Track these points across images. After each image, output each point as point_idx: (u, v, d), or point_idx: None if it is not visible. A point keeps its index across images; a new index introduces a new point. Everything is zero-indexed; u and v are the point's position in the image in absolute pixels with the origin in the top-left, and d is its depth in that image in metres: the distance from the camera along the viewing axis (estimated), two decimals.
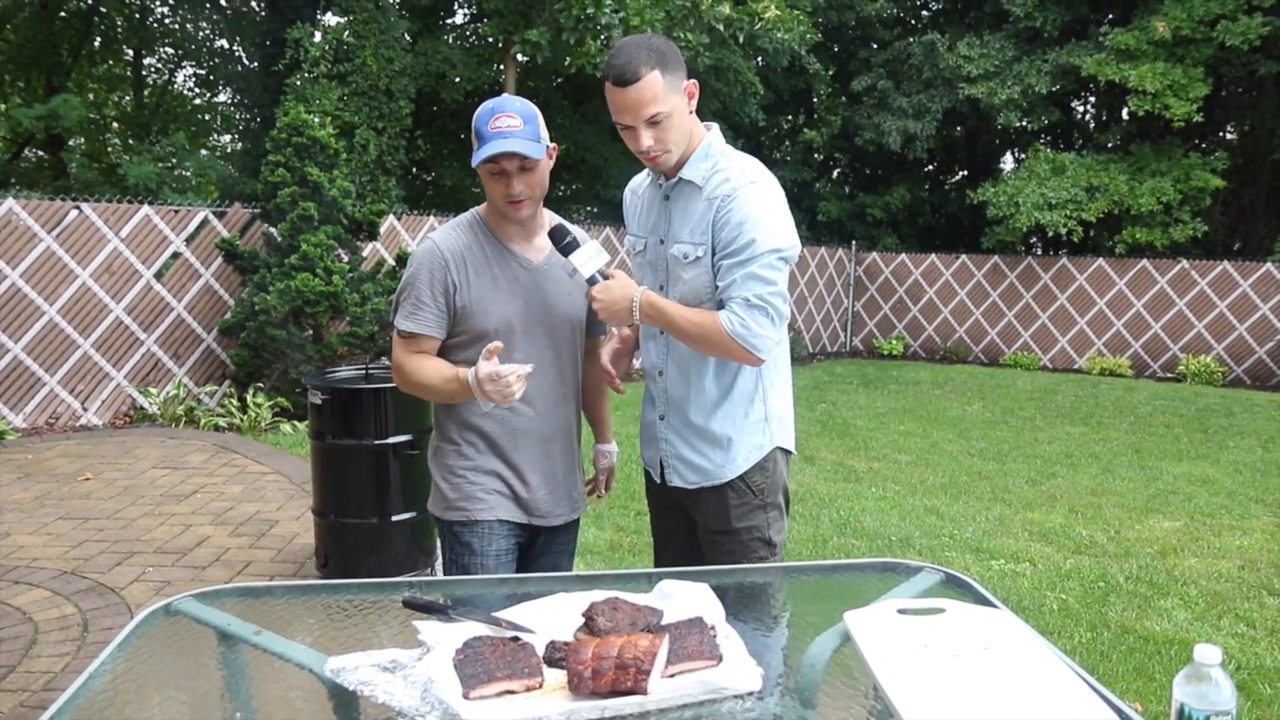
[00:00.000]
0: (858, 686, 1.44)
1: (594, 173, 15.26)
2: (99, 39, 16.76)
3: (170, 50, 18.28)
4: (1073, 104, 17.15)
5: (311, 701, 1.42)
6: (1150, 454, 7.75)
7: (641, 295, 2.14)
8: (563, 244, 2.16)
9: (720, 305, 2.14)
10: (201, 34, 17.80)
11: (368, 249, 9.14)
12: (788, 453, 2.35)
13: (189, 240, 8.38)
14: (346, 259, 8.32)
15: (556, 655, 1.42)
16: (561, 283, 2.27)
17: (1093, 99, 17.07)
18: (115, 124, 18.21)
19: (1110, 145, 15.10)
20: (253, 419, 7.67)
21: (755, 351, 2.10)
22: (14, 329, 7.46)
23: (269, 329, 7.79)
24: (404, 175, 13.48)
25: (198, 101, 19.12)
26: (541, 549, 2.36)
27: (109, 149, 17.59)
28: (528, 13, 11.00)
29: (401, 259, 9.33)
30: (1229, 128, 16.16)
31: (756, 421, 2.27)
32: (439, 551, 2.40)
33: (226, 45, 18.02)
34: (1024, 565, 4.88)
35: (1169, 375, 13.07)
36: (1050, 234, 14.03)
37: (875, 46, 17.02)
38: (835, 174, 19.09)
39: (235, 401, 7.99)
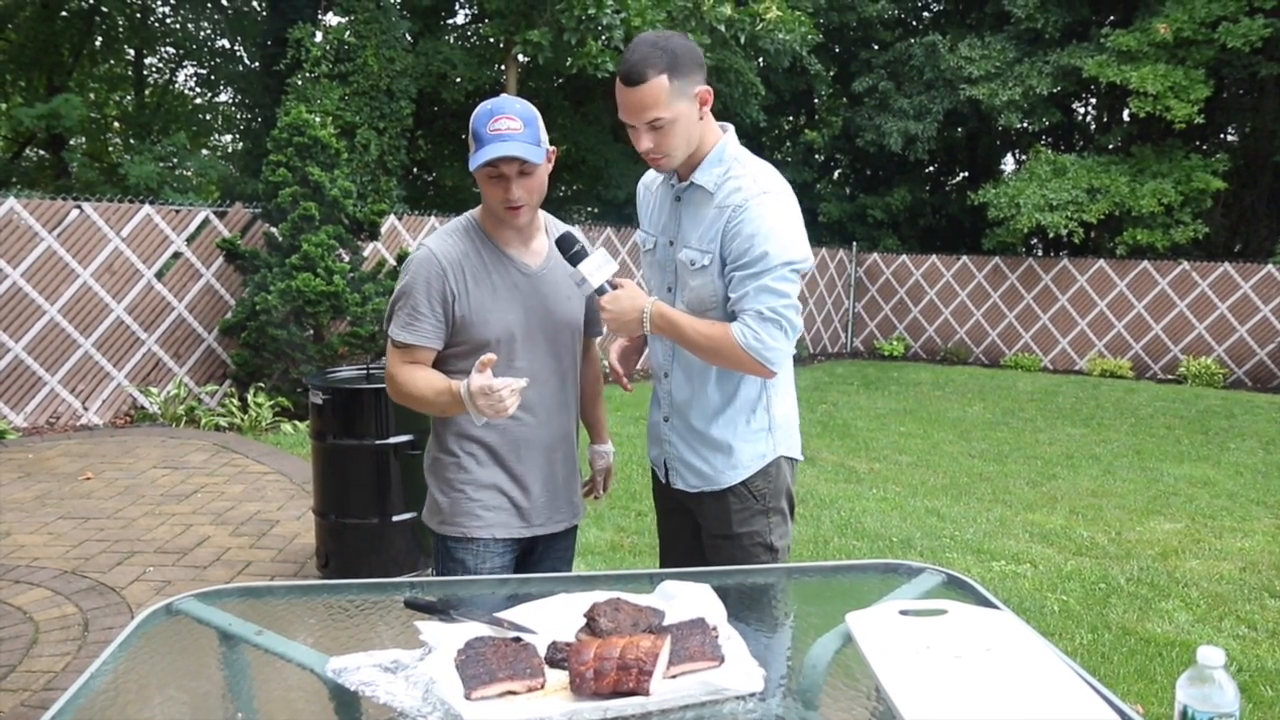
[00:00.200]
0: (860, 688, 1.43)
1: (595, 173, 15.27)
2: (100, 38, 16.78)
3: (171, 50, 18.31)
4: (1074, 105, 17.15)
5: (313, 702, 1.42)
6: (1151, 456, 7.75)
7: (652, 306, 2.10)
8: (571, 253, 2.10)
9: (730, 315, 2.11)
10: (202, 34, 17.82)
11: (369, 249, 9.14)
12: (793, 460, 2.32)
13: (190, 240, 8.39)
14: (347, 259, 8.32)
15: (558, 656, 1.42)
16: (560, 287, 2.23)
17: (1094, 100, 17.08)
18: (116, 124, 18.22)
19: (1111, 147, 15.10)
20: (253, 419, 7.67)
21: (768, 364, 2.07)
22: (15, 328, 7.46)
23: (270, 329, 7.79)
24: (405, 175, 13.49)
25: (199, 101, 19.14)
26: (540, 556, 2.32)
27: (110, 149, 17.60)
28: (529, 13, 11.00)
29: (403, 259, 9.33)
30: (1230, 129, 16.15)
31: (759, 430, 2.24)
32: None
33: (228, 45, 18.04)
34: (1025, 566, 4.88)
35: (1170, 377, 13.06)
36: (1051, 235, 14.03)
37: (876, 47, 17.02)
38: (836, 175, 19.09)
39: (236, 401, 7.99)
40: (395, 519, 4.17)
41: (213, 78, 18.42)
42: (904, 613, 1.60)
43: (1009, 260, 14.44)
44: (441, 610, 1.60)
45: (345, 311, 7.94)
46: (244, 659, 1.56)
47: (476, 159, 2.04)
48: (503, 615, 1.58)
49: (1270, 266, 12.54)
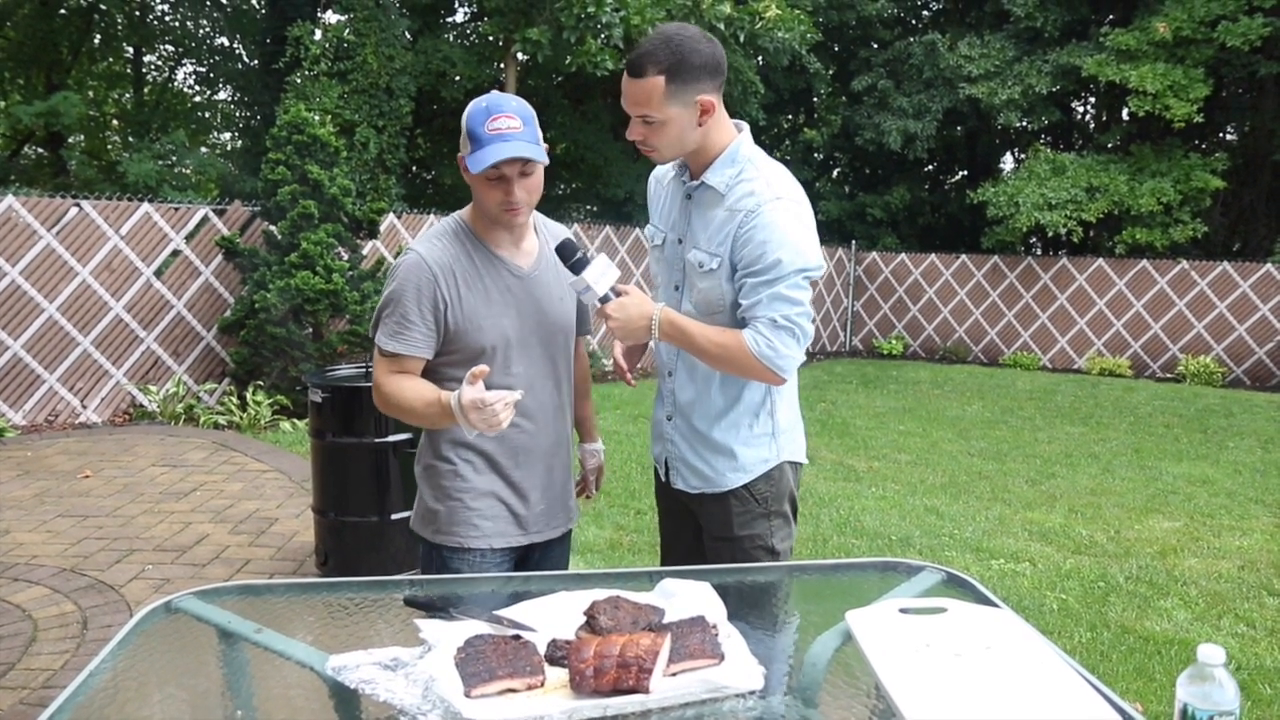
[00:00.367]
0: (859, 686, 1.43)
1: (594, 171, 15.26)
2: (99, 36, 16.76)
3: (170, 48, 18.29)
4: (1073, 104, 17.15)
5: (312, 700, 1.42)
6: (1150, 454, 7.75)
7: (661, 313, 2.04)
8: (573, 260, 2.00)
9: (738, 320, 2.08)
10: (201, 31, 17.81)
11: (368, 247, 9.13)
12: (797, 464, 2.29)
13: (189, 238, 8.38)
14: (346, 257, 8.31)
15: (558, 654, 1.42)
16: (552, 288, 2.16)
17: (1093, 99, 17.08)
18: (115, 121, 18.21)
19: (1110, 146, 15.11)
20: (252, 417, 7.66)
21: (780, 372, 2.04)
22: (14, 326, 7.45)
23: (269, 327, 7.78)
24: (404, 173, 13.48)
25: (198, 99, 19.12)
26: (536, 564, 2.26)
27: (109, 146, 17.59)
28: (528, 11, 10.99)
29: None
30: (1229, 128, 16.16)
31: (762, 435, 2.21)
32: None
33: (227, 43, 18.03)
34: (1024, 565, 4.88)
35: (1168, 376, 13.07)
36: (1050, 234, 14.04)
37: (876, 46, 17.02)
38: (835, 173, 19.09)
39: (235, 399, 7.98)
40: (394, 517, 4.17)
41: (211, 75, 18.40)
42: (904, 611, 1.60)
43: (1008, 259, 14.44)
44: (441, 608, 1.60)
45: (344, 310, 7.94)
46: (243, 657, 1.55)
47: (478, 162, 1.94)
48: (502, 613, 1.58)
49: (1269, 265, 12.55)
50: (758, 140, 2.17)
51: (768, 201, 2.03)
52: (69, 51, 16.19)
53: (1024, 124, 15.40)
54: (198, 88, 19.33)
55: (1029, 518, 5.77)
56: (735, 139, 2.11)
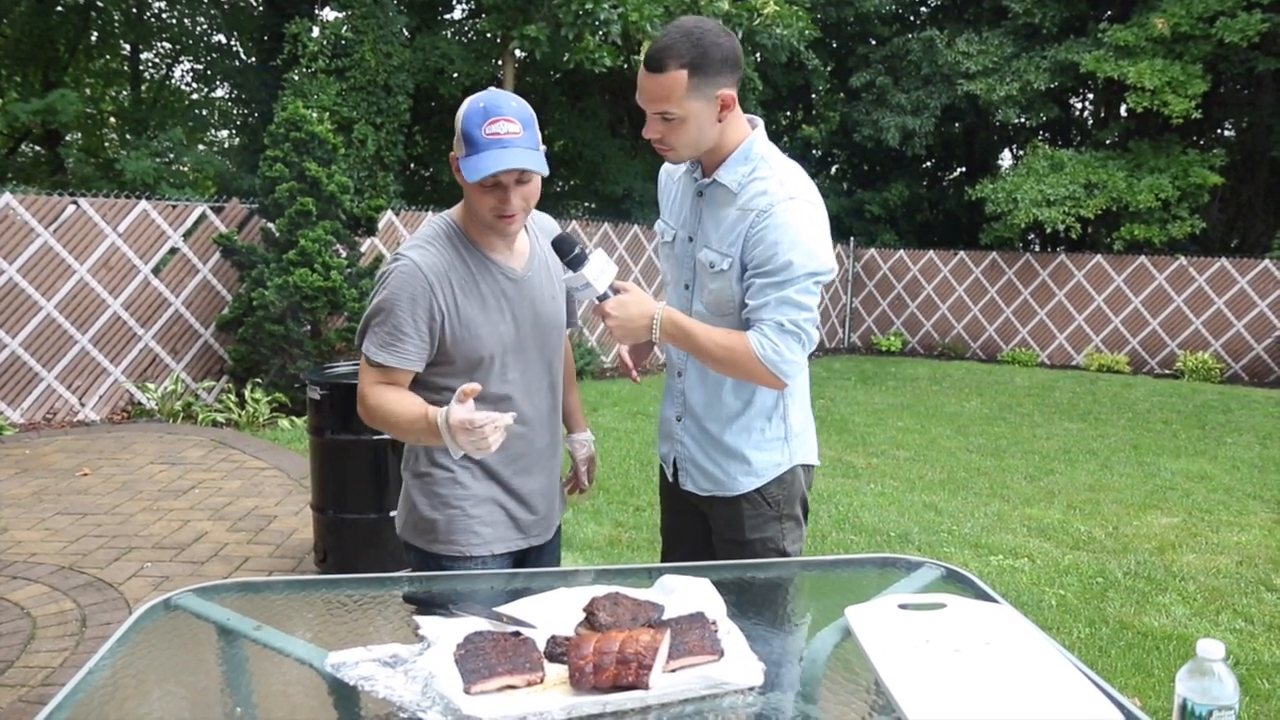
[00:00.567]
0: (859, 682, 1.44)
1: (592, 169, 15.25)
2: (96, 33, 16.72)
3: (168, 45, 18.24)
4: (1071, 100, 17.14)
5: (311, 697, 1.42)
6: (1148, 450, 7.76)
7: (663, 313, 1.98)
8: (570, 257, 1.91)
9: (746, 322, 2.03)
10: (199, 29, 17.77)
11: (366, 244, 9.13)
12: (809, 466, 2.27)
13: (187, 235, 8.37)
14: (344, 254, 8.31)
15: (558, 650, 1.42)
16: (545, 288, 2.08)
17: (1091, 95, 17.07)
18: (112, 119, 18.16)
19: (1109, 142, 15.11)
20: (251, 414, 7.66)
21: (783, 377, 1.99)
22: (11, 324, 7.44)
23: (267, 324, 7.78)
24: (402, 171, 13.47)
25: (195, 96, 19.07)
26: (532, 563, 2.22)
27: (106, 144, 17.54)
28: (526, 8, 10.98)
29: None
30: (1227, 124, 16.16)
31: (775, 440, 2.18)
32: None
33: (224, 40, 17.99)
34: (1022, 561, 4.89)
35: (1167, 372, 13.08)
36: (1048, 230, 14.03)
37: (874, 43, 17.01)
38: (833, 170, 19.08)
39: (233, 397, 7.98)
40: (393, 514, 4.14)
41: (209, 73, 18.36)
42: (903, 607, 1.60)
43: (1006, 255, 14.44)
44: (440, 605, 1.60)
45: (342, 307, 7.94)
46: (242, 654, 1.55)
47: (474, 170, 1.83)
48: (502, 610, 1.58)
49: (1267, 261, 12.56)
50: None
51: (781, 201, 1.97)
52: (66, 49, 16.15)
53: (1022, 120, 15.39)
54: (195, 85, 19.29)
55: (1027, 514, 5.78)
56: (749, 136, 2.06)
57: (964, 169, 18.54)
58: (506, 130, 1.83)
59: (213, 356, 8.53)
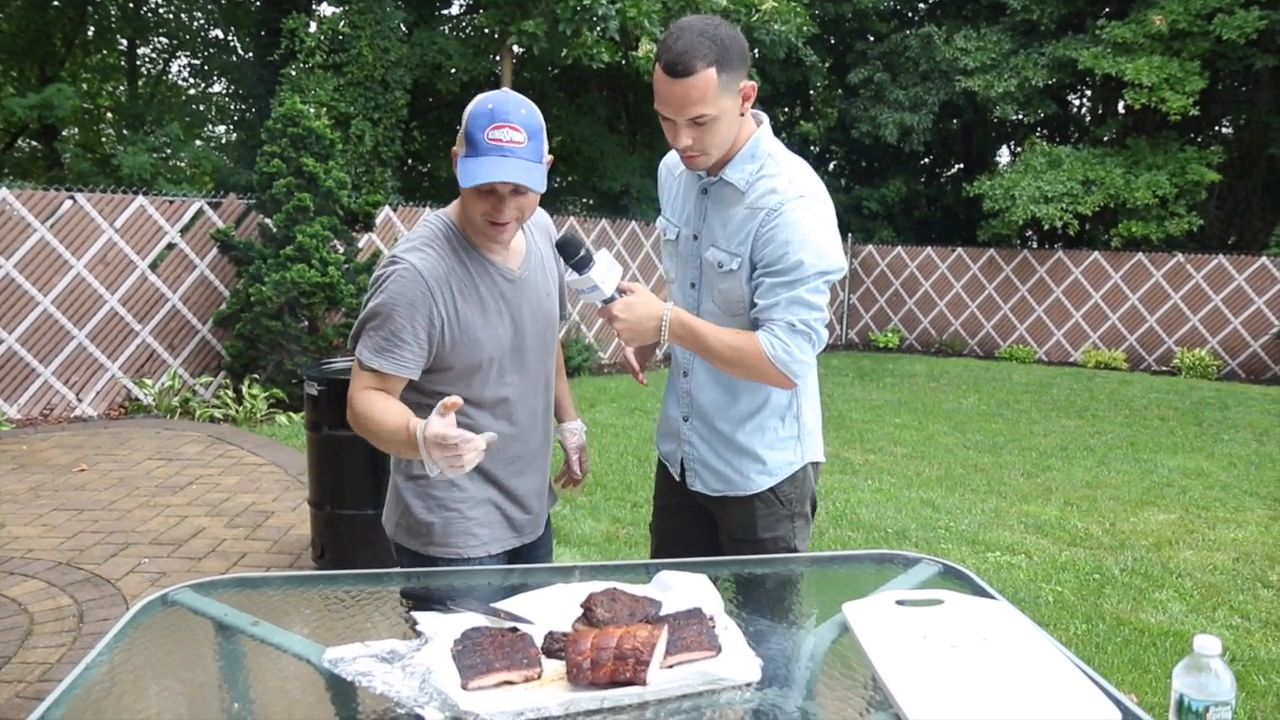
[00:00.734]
0: (856, 677, 1.44)
1: (590, 165, 15.23)
2: (92, 28, 16.68)
3: (165, 40, 18.20)
4: (1069, 97, 17.14)
5: (309, 692, 1.42)
6: (1145, 447, 7.77)
7: (671, 314, 1.95)
8: (575, 259, 1.86)
9: (755, 321, 2.01)
10: (196, 23, 17.72)
11: (363, 240, 9.13)
12: (818, 464, 2.26)
13: (184, 231, 8.36)
14: (342, 250, 8.31)
15: (555, 646, 1.42)
16: (540, 286, 2.04)
17: (1089, 92, 17.07)
18: (109, 114, 18.11)
19: (1106, 139, 15.11)
20: (248, 410, 7.66)
21: (793, 377, 1.97)
22: (8, 320, 7.43)
23: (264, 320, 7.77)
24: (399, 166, 13.45)
25: (192, 92, 19.05)
26: (526, 559, 2.20)
27: (103, 139, 17.50)
28: (524, 3, 10.96)
29: None
30: (1225, 121, 16.17)
31: (788, 439, 2.17)
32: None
33: (221, 35, 17.95)
34: (1019, 557, 4.90)
35: (1164, 369, 13.09)
36: (1046, 227, 14.01)
37: (872, 39, 16.99)
38: (831, 166, 19.08)
39: (230, 393, 7.97)
40: None
41: (206, 68, 18.33)
42: (900, 603, 1.60)
43: (1004, 252, 14.45)
44: (438, 600, 1.60)
45: (340, 303, 7.93)
46: (240, 650, 1.55)
47: (470, 175, 1.78)
48: (499, 605, 1.58)
49: (1264, 259, 12.56)
50: None
51: (791, 200, 1.95)
52: (62, 44, 16.11)
53: (1020, 117, 15.39)
54: (192, 80, 19.26)
55: (1025, 510, 5.79)
56: (755, 133, 2.04)
57: (962, 165, 18.54)
58: (510, 138, 1.77)
59: (210, 352, 8.52)
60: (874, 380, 11.47)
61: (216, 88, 18.77)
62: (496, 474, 2.03)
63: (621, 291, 1.92)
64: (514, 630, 1.44)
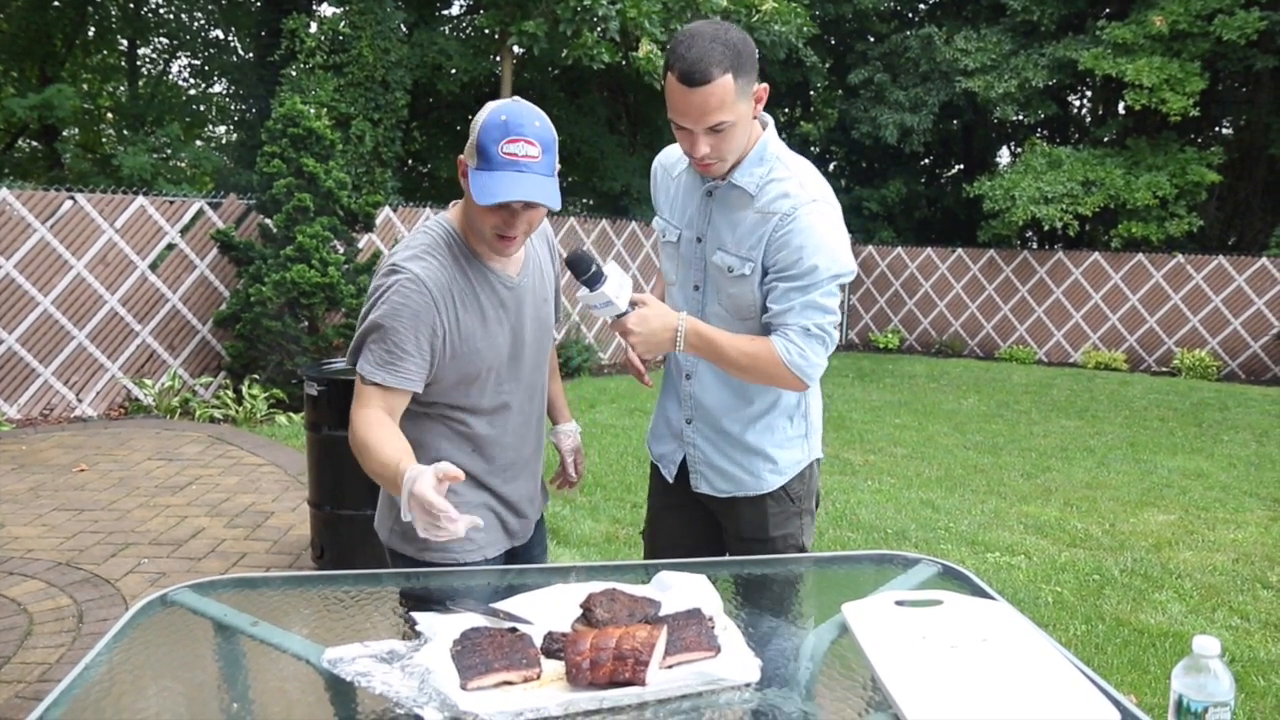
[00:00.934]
0: (855, 678, 1.44)
1: (590, 165, 15.24)
2: (93, 29, 16.69)
3: (165, 40, 18.21)
4: (1069, 98, 17.15)
5: (308, 692, 1.42)
6: (1145, 448, 7.77)
7: (686, 324, 1.94)
8: (587, 276, 1.83)
9: (767, 325, 2.01)
10: (196, 24, 17.74)
11: (363, 240, 9.13)
12: (819, 459, 2.28)
13: (184, 231, 8.36)
14: (342, 250, 8.31)
15: (554, 646, 1.42)
16: (538, 292, 2.01)
17: (1089, 93, 17.07)
18: (109, 114, 18.12)
19: (1106, 139, 15.11)
20: (248, 410, 7.66)
21: (807, 380, 1.98)
22: (8, 320, 7.43)
23: (264, 320, 7.77)
24: (400, 167, 13.45)
25: (192, 92, 19.05)
26: (521, 560, 2.18)
27: (103, 139, 17.51)
28: (524, 4, 10.96)
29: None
30: (1225, 122, 16.16)
31: (796, 437, 2.18)
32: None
33: (221, 35, 17.96)
34: (1019, 558, 4.89)
35: (1164, 369, 13.09)
36: (1046, 228, 14.02)
37: (872, 39, 17.00)
38: (831, 167, 19.07)
39: (230, 393, 7.97)
40: None
41: (206, 68, 18.33)
42: (899, 603, 1.60)
43: (1004, 253, 14.45)
44: (437, 601, 1.60)
45: (340, 303, 7.93)
46: (239, 650, 1.55)
47: (486, 192, 1.72)
48: (499, 606, 1.58)
49: (1264, 259, 12.56)
50: None
51: (804, 204, 1.95)
52: (63, 44, 16.12)
53: (1020, 118, 15.39)
54: (192, 81, 19.27)
55: (1024, 511, 5.79)
56: (762, 135, 2.02)
57: (962, 166, 18.54)
58: (525, 153, 1.72)
59: (210, 352, 8.52)
60: (874, 381, 11.47)
61: (217, 88, 18.79)
62: (490, 482, 2.02)
63: (633, 304, 1.89)
64: (513, 630, 1.44)
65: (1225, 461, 7.32)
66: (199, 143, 17.64)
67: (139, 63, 18.30)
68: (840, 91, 17.37)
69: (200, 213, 8.45)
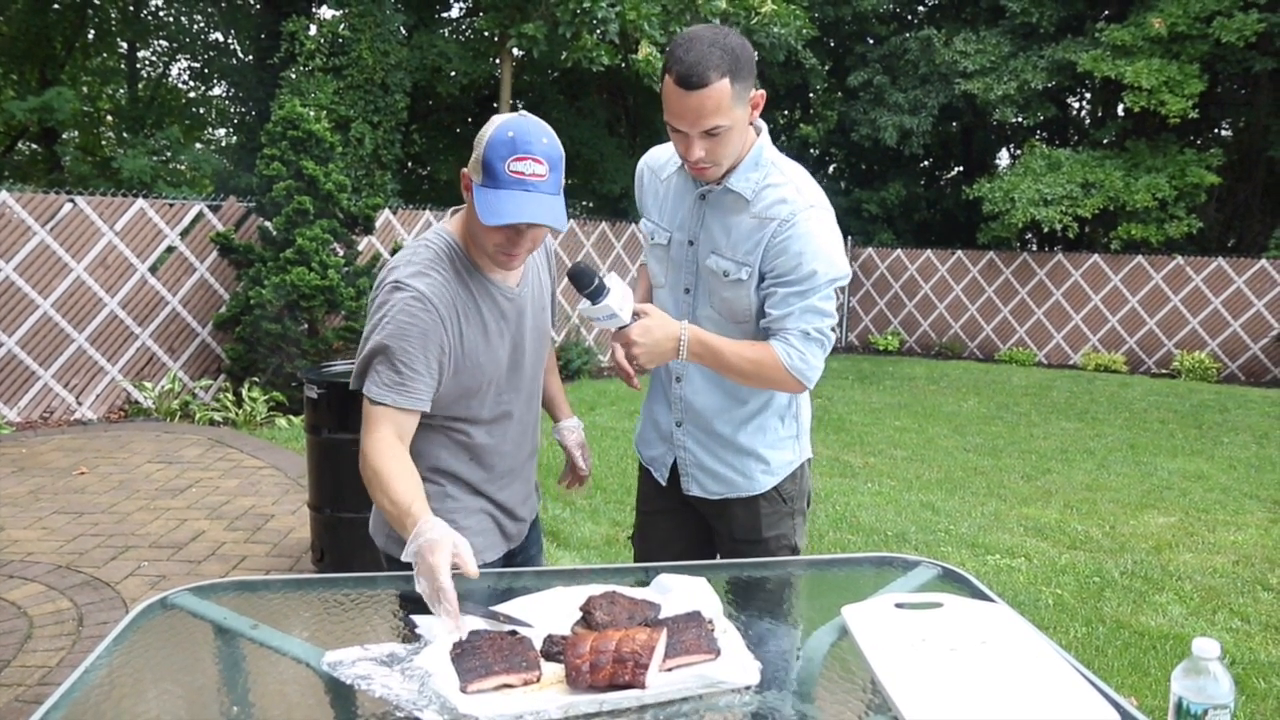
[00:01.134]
0: (855, 680, 1.44)
1: (589, 168, 15.26)
2: (93, 31, 16.71)
3: (165, 43, 18.23)
4: (1069, 100, 17.16)
5: (308, 695, 1.42)
6: (1145, 450, 7.77)
7: (689, 333, 1.94)
8: (590, 289, 1.81)
9: (762, 329, 2.03)
10: (196, 27, 17.76)
11: (363, 243, 9.13)
12: (810, 459, 2.30)
13: (184, 234, 8.36)
14: (342, 253, 8.31)
15: (554, 649, 1.42)
16: (537, 301, 2.00)
17: (1088, 95, 17.09)
18: (109, 117, 18.14)
19: (1106, 141, 15.11)
20: (248, 413, 7.65)
21: (808, 383, 2.00)
22: (8, 323, 7.43)
23: (264, 323, 7.77)
24: (399, 169, 13.46)
25: (192, 95, 19.07)
26: (519, 563, 2.18)
27: (103, 142, 17.53)
28: (524, 6, 10.97)
29: (398, 254, 9.30)
30: (1224, 124, 16.17)
31: (788, 438, 2.20)
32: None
33: (221, 38, 17.98)
34: (1019, 560, 4.89)
35: (1163, 371, 13.09)
36: (1046, 230, 14.03)
37: (871, 42, 17.02)
38: (831, 169, 19.09)
39: (230, 396, 7.97)
40: None
41: (206, 71, 18.36)
42: (899, 606, 1.60)
43: (1003, 255, 14.45)
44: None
45: (340, 306, 7.93)
46: (239, 653, 1.55)
47: (493, 212, 1.69)
48: (499, 608, 1.58)
49: (1264, 261, 12.57)
50: None
51: (802, 210, 1.97)
52: (63, 47, 16.13)
53: (1020, 120, 15.40)
54: (192, 83, 19.29)
55: (1024, 513, 5.78)
56: (756, 141, 2.03)
57: (961, 168, 18.54)
58: (532, 171, 1.69)
59: (210, 355, 8.52)
60: (874, 383, 11.47)
61: (216, 91, 18.81)
62: (488, 489, 2.01)
63: (635, 314, 1.89)
64: (513, 633, 1.44)
65: (1225, 463, 7.32)
66: (199, 145, 17.64)
67: (139, 65, 18.32)
68: (839, 94, 17.38)
69: (200, 215, 8.45)
